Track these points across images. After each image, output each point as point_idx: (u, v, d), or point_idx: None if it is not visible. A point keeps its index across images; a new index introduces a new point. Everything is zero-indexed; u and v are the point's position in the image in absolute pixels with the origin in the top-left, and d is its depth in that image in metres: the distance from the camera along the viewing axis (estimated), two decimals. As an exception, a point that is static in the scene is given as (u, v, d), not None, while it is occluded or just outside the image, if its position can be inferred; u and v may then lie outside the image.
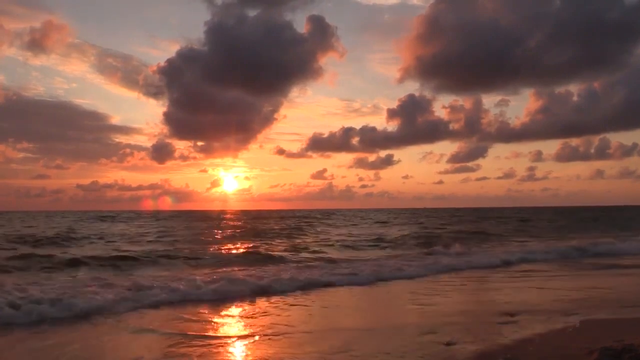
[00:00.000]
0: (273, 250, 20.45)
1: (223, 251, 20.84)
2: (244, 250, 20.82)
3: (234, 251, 20.81)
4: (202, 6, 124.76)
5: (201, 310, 9.25)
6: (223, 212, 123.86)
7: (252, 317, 8.70)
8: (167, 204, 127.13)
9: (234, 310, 9.49)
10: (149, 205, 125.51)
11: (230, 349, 6.64)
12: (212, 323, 8.27)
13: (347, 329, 7.78)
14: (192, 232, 35.16)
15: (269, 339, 7.06)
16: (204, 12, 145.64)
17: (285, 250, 20.86)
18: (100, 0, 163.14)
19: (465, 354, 5.93)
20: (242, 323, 8.31)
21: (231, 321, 8.60)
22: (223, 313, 9.19)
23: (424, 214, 76.43)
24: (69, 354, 6.40)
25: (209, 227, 42.08)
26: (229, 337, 7.32)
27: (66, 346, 6.77)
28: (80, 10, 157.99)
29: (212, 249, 21.82)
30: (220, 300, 10.25)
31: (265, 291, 11.08)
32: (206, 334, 7.46)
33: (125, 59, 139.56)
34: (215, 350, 6.53)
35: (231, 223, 50.98)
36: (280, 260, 17.41)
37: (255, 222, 50.98)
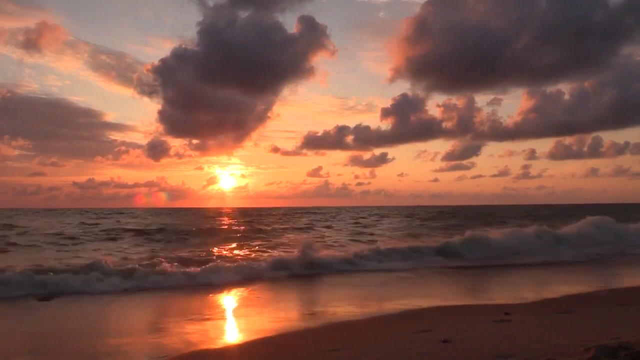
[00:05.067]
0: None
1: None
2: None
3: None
4: (195, 5, 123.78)
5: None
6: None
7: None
8: (163, 201, 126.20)
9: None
10: (146, 202, 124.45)
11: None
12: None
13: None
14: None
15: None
16: (197, 10, 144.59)
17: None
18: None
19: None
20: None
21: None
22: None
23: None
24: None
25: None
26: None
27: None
28: (73, 8, 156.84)
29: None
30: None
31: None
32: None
33: (118, 56, 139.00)
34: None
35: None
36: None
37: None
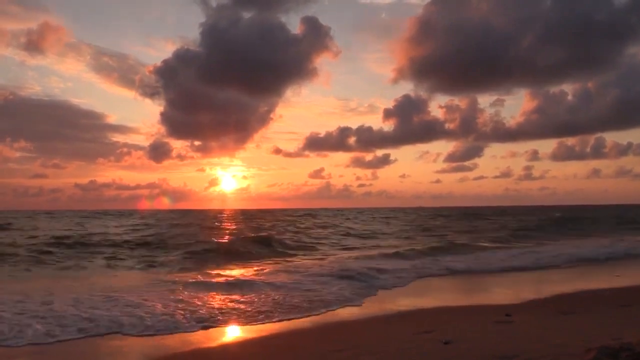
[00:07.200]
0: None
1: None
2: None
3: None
4: (197, 5, 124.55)
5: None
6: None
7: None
8: (165, 203, 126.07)
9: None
10: (147, 204, 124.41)
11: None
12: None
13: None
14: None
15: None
16: (199, 12, 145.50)
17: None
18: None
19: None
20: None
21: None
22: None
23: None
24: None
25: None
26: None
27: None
28: (76, 10, 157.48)
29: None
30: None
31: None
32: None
33: (120, 58, 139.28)
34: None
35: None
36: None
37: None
